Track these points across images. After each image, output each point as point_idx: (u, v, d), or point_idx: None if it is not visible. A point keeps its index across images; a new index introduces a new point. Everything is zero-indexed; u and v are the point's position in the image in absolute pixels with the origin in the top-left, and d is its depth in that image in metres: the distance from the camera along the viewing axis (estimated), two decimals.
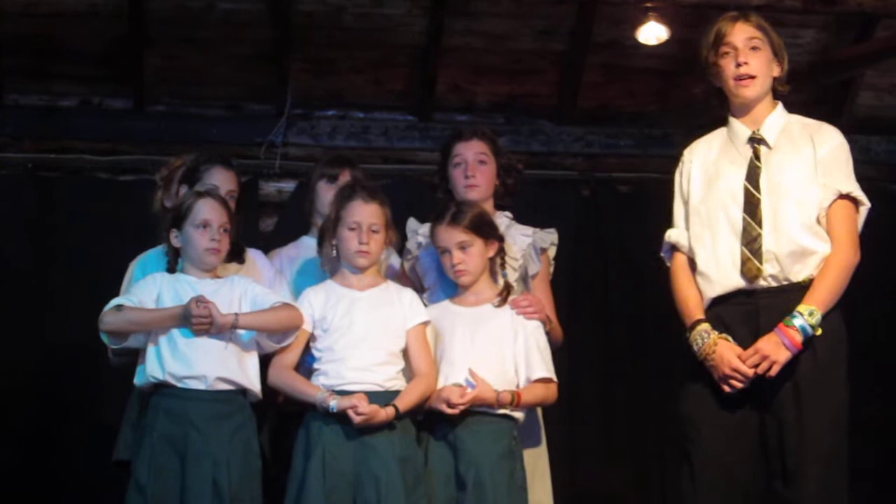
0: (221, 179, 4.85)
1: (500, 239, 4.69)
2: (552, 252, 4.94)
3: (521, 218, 4.96)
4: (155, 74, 6.97)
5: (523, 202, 5.09)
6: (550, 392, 4.61)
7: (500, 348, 4.55)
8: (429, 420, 4.52)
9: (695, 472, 4.15)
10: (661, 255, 4.46)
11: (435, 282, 4.84)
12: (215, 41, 6.89)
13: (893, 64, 7.18)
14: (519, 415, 4.54)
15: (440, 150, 5.05)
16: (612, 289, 7.10)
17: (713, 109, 4.46)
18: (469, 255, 4.59)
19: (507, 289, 4.66)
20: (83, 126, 6.98)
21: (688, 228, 4.32)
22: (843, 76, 7.22)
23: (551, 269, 4.96)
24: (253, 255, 4.95)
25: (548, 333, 4.70)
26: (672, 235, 4.38)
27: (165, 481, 4.29)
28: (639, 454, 6.96)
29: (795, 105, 6.92)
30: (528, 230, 4.89)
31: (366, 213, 4.56)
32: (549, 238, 4.92)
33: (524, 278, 4.83)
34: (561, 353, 4.88)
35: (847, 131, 7.38)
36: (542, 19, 6.99)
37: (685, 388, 4.24)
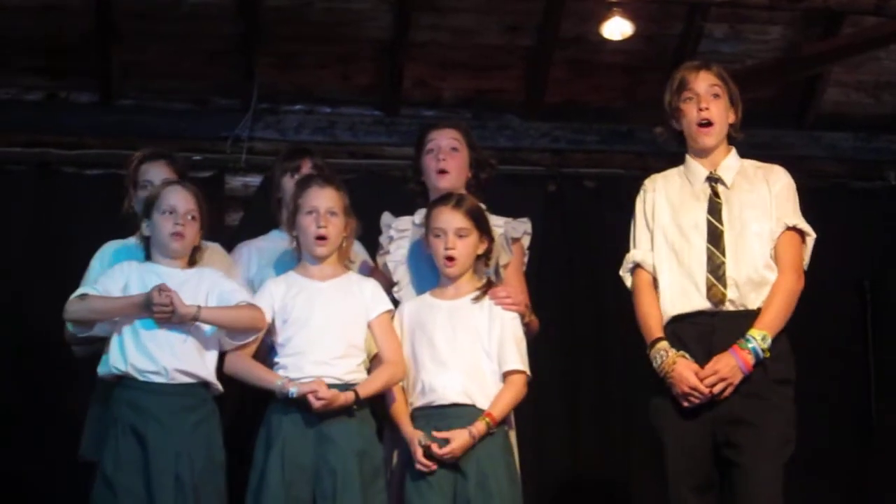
0: (154, 174, 4.92)
1: (492, 240, 4.69)
2: (526, 241, 4.94)
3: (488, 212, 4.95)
4: (122, 68, 6.94)
5: (490, 197, 5.09)
6: (519, 388, 4.57)
7: (479, 343, 4.56)
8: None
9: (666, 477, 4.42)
10: (621, 274, 4.64)
11: (404, 276, 4.84)
12: (182, 35, 6.87)
13: (860, 60, 7.23)
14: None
15: (414, 142, 5.05)
16: (578, 283, 7.11)
17: (671, 149, 4.73)
18: (464, 244, 4.59)
19: (489, 284, 4.67)
20: (49, 120, 6.95)
21: (652, 250, 4.55)
22: (809, 72, 7.26)
23: (525, 258, 4.97)
24: (211, 247, 4.87)
25: (526, 325, 4.72)
26: (637, 255, 4.60)
27: (131, 473, 4.30)
28: (604, 446, 6.98)
29: (763, 102, 7.05)
30: (500, 220, 4.88)
31: (322, 197, 4.58)
32: (521, 227, 4.92)
33: (496, 269, 4.81)
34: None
35: (814, 128, 7.51)
36: (509, 15, 7.01)
37: (651, 400, 4.49)
